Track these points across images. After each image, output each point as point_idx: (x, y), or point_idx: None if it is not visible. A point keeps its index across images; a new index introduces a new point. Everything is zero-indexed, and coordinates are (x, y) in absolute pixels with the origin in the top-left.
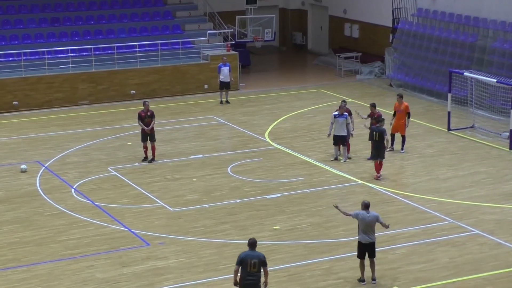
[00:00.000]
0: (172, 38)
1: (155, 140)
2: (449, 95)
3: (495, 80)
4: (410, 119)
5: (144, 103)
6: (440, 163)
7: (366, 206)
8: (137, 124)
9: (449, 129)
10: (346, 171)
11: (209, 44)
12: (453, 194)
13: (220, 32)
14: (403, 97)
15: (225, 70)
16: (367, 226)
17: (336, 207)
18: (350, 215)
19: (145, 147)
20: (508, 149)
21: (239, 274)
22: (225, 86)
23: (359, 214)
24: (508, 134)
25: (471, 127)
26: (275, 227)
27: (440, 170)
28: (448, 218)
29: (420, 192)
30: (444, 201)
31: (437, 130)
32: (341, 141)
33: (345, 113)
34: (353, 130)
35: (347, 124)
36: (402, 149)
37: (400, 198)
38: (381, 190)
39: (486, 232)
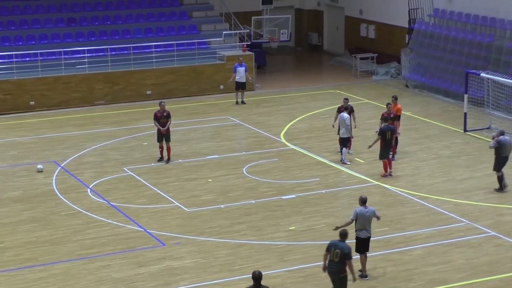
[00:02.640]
0: (188, 38)
1: (170, 141)
2: (466, 96)
3: None
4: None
5: (160, 104)
6: (456, 164)
7: (364, 201)
8: (153, 124)
9: (465, 130)
10: (361, 172)
11: (225, 44)
12: (469, 195)
13: (236, 33)
14: (398, 99)
15: (241, 70)
16: (367, 221)
17: (336, 228)
18: (351, 220)
19: (161, 147)
20: None
21: (327, 260)
22: (241, 87)
23: (359, 212)
24: None
25: (488, 128)
26: (290, 228)
27: (456, 171)
28: (464, 220)
29: (436, 193)
30: (460, 202)
31: (453, 131)
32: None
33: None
34: (355, 127)
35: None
36: (392, 157)
37: (416, 199)
38: (396, 191)
39: (502, 234)
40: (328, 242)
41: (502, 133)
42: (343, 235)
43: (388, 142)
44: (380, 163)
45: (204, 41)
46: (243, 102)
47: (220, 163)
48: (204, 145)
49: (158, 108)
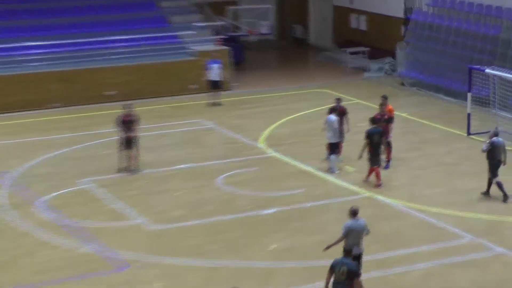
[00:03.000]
0: (156, 31)
1: (137, 148)
2: (469, 94)
3: None
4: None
5: (125, 106)
6: (459, 172)
7: (354, 213)
8: (117, 129)
9: (469, 133)
10: (352, 181)
11: (198, 38)
12: (475, 207)
13: (210, 25)
14: (388, 99)
15: (214, 67)
16: (358, 235)
17: (327, 247)
18: (342, 236)
19: (126, 156)
20: None
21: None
22: (215, 86)
23: (350, 226)
24: None
25: None
26: (272, 247)
27: (459, 180)
28: (469, 235)
29: (437, 205)
30: (464, 215)
31: (456, 134)
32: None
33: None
34: (348, 131)
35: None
36: (386, 164)
37: (414, 212)
38: (392, 203)
39: None
40: (332, 261)
41: (496, 134)
42: (348, 252)
43: (376, 146)
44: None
45: (174, 34)
46: (218, 104)
47: (192, 173)
48: (173, 152)
49: (123, 111)
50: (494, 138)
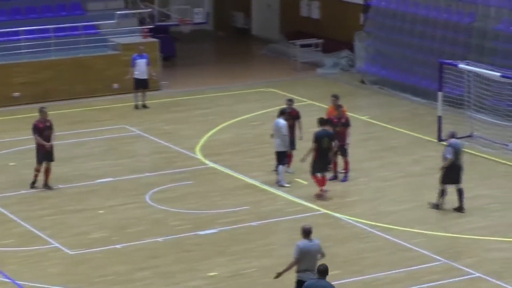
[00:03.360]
0: (71, 21)
1: (54, 160)
2: (440, 94)
3: (499, 74)
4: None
5: (41, 110)
6: (429, 185)
7: (307, 233)
8: (29, 138)
9: (440, 139)
10: (304, 196)
11: (120, 29)
12: (448, 225)
13: (135, 13)
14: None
15: (141, 63)
16: (313, 258)
17: (278, 275)
18: (295, 259)
19: (38, 170)
20: None
21: None
22: (141, 85)
23: (303, 247)
24: None
25: (469, 136)
26: (211, 274)
27: (430, 194)
28: (440, 258)
29: (404, 224)
30: (435, 234)
31: (425, 140)
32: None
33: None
34: (301, 138)
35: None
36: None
37: (377, 232)
38: (351, 221)
39: (490, 276)
40: (304, 285)
41: (453, 135)
42: (323, 272)
43: (324, 151)
44: (331, 187)
45: (91, 24)
46: (144, 106)
47: (116, 188)
48: (93, 164)
49: (38, 116)
50: (452, 140)
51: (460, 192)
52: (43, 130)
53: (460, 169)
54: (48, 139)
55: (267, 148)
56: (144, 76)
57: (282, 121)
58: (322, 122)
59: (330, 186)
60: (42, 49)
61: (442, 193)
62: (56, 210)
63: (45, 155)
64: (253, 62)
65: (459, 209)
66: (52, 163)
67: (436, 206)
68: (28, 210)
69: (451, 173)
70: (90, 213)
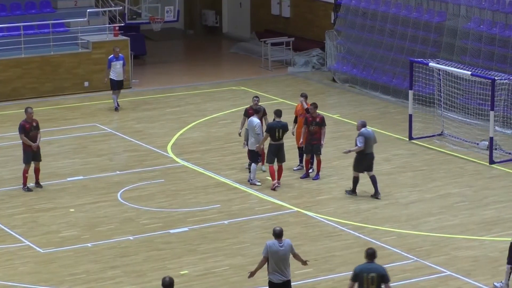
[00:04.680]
0: (40, 19)
1: (41, 160)
2: (410, 92)
3: (469, 73)
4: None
5: (26, 110)
6: (400, 183)
7: (277, 234)
8: (21, 138)
9: (410, 137)
10: (276, 195)
11: (90, 27)
12: (418, 223)
13: (105, 11)
14: (308, 98)
15: (117, 65)
16: (281, 260)
17: (251, 274)
18: (264, 257)
19: (27, 171)
20: (487, 163)
21: None
22: (118, 87)
23: (270, 247)
24: (487, 143)
25: (440, 134)
26: (182, 272)
27: (400, 192)
28: (411, 256)
29: (374, 222)
30: (406, 233)
31: (395, 138)
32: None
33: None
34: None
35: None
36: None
37: (348, 230)
38: (322, 219)
39: (460, 273)
40: (354, 269)
41: (364, 125)
42: (371, 255)
43: (277, 142)
44: (302, 185)
45: (61, 22)
46: (117, 106)
47: (86, 186)
48: (63, 162)
49: (24, 116)
50: (364, 129)
51: (373, 179)
52: (29, 130)
53: (372, 157)
54: (34, 139)
55: (238, 147)
56: (121, 78)
57: (255, 120)
58: (277, 113)
59: (303, 184)
60: (11, 47)
61: (356, 180)
62: (26, 208)
63: (33, 155)
64: (223, 60)
65: (375, 195)
66: (20, 161)
67: (351, 193)
68: None
69: (364, 161)
70: (61, 212)
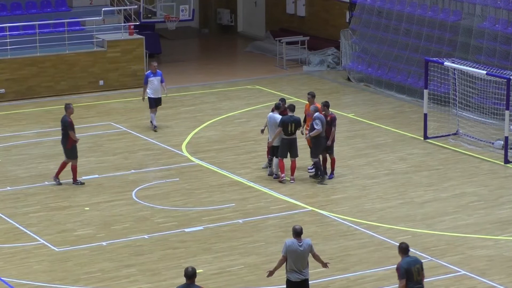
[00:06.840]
0: (55, 17)
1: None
2: (426, 91)
3: (484, 72)
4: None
5: (69, 107)
6: (415, 182)
7: (297, 233)
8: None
9: (426, 136)
10: (291, 193)
11: (105, 25)
12: (433, 223)
13: (120, 10)
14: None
15: (155, 81)
16: (299, 259)
17: (270, 273)
18: (283, 256)
19: (76, 166)
20: (503, 163)
21: None
22: (156, 104)
23: (289, 246)
24: (502, 142)
25: (455, 133)
26: (197, 271)
27: (415, 192)
28: (426, 255)
29: (389, 221)
30: (420, 232)
31: (411, 138)
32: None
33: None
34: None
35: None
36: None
37: (363, 230)
38: (337, 218)
39: (475, 273)
40: (400, 264)
41: (316, 110)
42: (406, 249)
43: (290, 137)
44: (316, 184)
45: (76, 20)
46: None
47: (101, 185)
48: (79, 161)
49: (64, 112)
50: (317, 114)
51: (331, 161)
52: (72, 126)
53: (326, 140)
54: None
55: (253, 145)
56: (158, 95)
57: (277, 116)
58: (290, 108)
59: (317, 183)
60: (27, 45)
61: (318, 165)
62: (41, 206)
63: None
64: (238, 59)
65: (322, 180)
66: (36, 159)
67: (322, 180)
68: (14, 207)
69: (322, 145)
70: (76, 210)
